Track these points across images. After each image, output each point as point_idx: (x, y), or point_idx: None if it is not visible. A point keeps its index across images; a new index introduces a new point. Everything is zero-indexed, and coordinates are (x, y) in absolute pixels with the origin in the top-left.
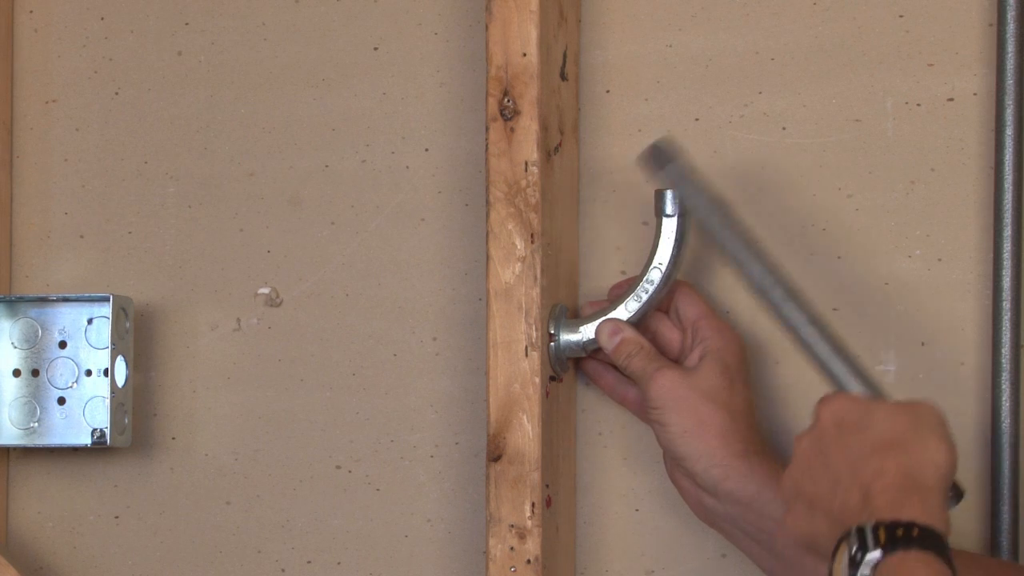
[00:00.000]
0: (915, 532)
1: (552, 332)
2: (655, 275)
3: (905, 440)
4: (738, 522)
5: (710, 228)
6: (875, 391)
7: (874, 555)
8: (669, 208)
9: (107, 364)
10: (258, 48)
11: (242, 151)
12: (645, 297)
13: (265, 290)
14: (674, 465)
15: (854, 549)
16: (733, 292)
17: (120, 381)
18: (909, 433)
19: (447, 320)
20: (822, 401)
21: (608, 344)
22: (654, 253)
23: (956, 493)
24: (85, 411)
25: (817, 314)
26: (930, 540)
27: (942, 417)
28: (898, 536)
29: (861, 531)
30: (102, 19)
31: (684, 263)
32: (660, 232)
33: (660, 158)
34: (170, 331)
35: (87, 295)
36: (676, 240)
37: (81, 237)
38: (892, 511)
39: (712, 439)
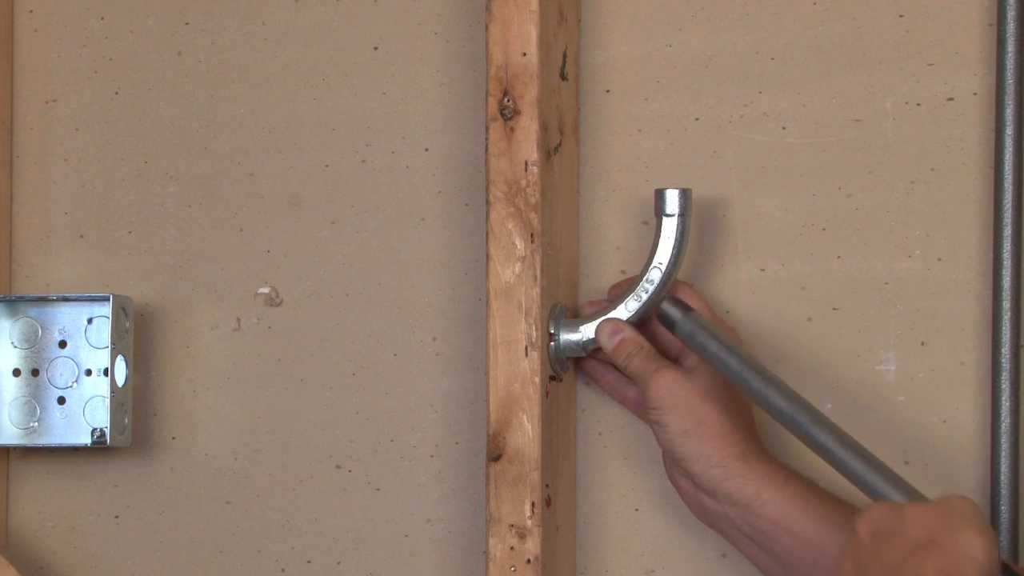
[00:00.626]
0: None
1: (552, 332)
2: (655, 275)
3: (939, 538)
4: (737, 523)
5: (730, 371)
6: (915, 497)
7: None
8: (669, 208)
9: (107, 364)
10: (258, 48)
11: (242, 151)
12: (645, 297)
13: (265, 290)
14: (673, 465)
15: None
16: (733, 292)
17: (120, 381)
18: (942, 530)
19: (447, 320)
20: (857, 515)
21: (608, 344)
22: (654, 253)
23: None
24: (85, 411)
25: (844, 434)
26: None
27: (975, 508)
28: None
29: None
30: (102, 19)
31: (684, 263)
32: (660, 232)
33: (670, 316)
34: (170, 331)
35: (87, 295)
36: (676, 240)
37: (81, 237)
38: None
39: (711, 440)
